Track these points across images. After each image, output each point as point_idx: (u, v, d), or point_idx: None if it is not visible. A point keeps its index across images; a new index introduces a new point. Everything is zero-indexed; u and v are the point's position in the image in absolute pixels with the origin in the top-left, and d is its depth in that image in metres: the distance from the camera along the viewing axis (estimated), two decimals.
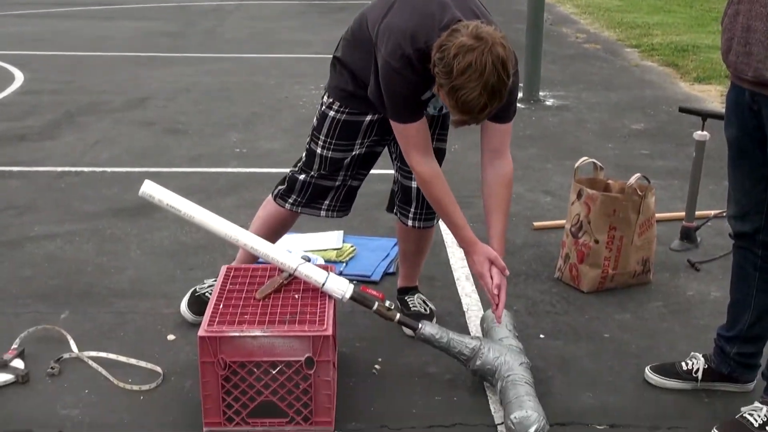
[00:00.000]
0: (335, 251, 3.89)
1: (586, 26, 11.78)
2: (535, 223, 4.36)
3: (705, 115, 4.10)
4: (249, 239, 2.80)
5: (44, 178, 5.12)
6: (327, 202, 3.12)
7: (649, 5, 13.73)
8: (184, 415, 2.66)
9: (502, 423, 2.61)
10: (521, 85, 7.57)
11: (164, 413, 2.67)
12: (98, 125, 6.40)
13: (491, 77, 2.40)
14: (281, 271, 2.81)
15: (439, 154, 3.08)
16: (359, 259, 3.87)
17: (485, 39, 2.42)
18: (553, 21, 11.66)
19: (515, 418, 2.49)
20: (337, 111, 2.97)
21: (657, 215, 3.75)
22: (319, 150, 3.02)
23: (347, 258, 3.86)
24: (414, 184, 3.07)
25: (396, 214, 3.22)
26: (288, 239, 4.03)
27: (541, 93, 7.47)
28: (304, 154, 3.09)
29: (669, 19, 12.00)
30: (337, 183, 3.08)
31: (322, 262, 3.60)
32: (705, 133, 4.04)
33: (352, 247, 3.94)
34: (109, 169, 5.26)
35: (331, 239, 4.02)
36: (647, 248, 3.64)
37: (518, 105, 7.16)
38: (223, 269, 2.94)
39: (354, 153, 3.02)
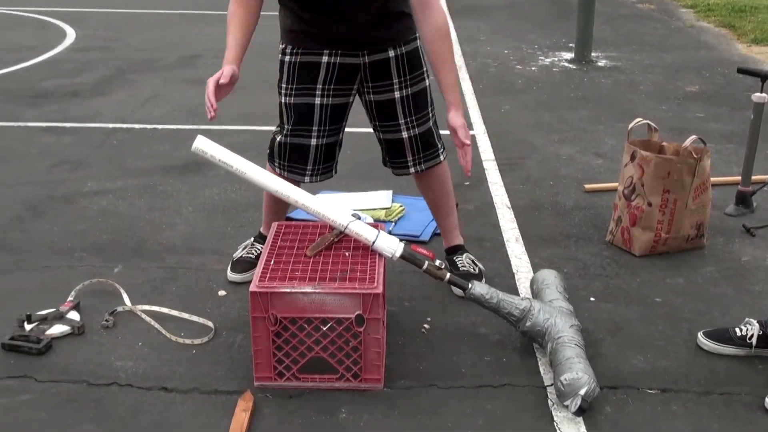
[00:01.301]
0: (384, 211, 3.88)
1: None
2: (587, 186, 4.30)
3: (765, 76, 3.99)
4: (300, 196, 2.80)
5: (96, 134, 5.18)
6: (309, 167, 3.12)
7: None
8: (235, 369, 2.69)
9: (552, 384, 2.60)
10: (572, 45, 7.46)
11: (216, 367, 2.70)
12: (149, 82, 6.44)
13: None
14: (332, 228, 2.82)
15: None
16: (408, 219, 3.86)
17: None
18: None
19: (565, 379, 2.48)
20: (290, 54, 3.00)
21: (711, 179, 3.68)
22: (283, 99, 3.05)
23: (396, 218, 3.85)
24: (404, 135, 3.07)
25: (398, 174, 3.22)
26: (337, 198, 4.04)
27: (593, 54, 7.35)
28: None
29: None
30: (312, 141, 3.07)
31: (371, 222, 3.60)
32: (764, 95, 3.94)
33: (401, 206, 3.94)
34: (159, 126, 5.30)
35: (381, 199, 4.01)
36: (701, 212, 3.58)
37: (569, 65, 7.08)
38: (274, 226, 2.95)
39: (317, 101, 3.00)
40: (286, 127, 3.08)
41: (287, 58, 3.01)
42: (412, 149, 3.12)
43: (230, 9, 2.93)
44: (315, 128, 3.05)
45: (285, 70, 3.03)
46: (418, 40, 3.03)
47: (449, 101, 2.84)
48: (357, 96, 3.10)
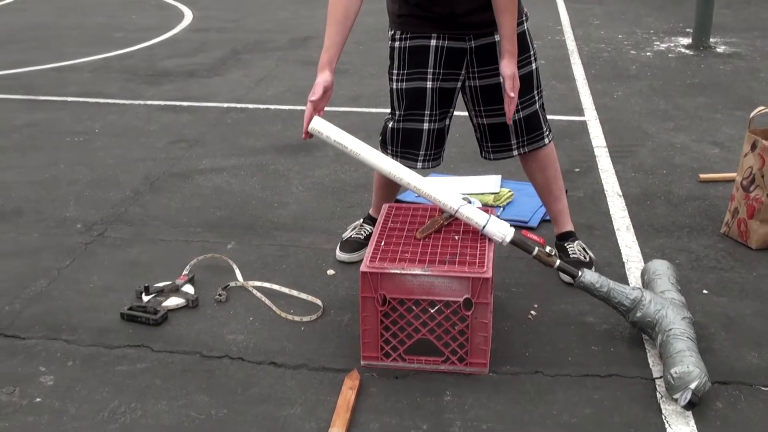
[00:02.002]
0: (493, 195, 3.87)
1: None
2: (702, 175, 4.19)
3: None
4: (412, 178, 2.81)
5: (212, 113, 5.32)
6: (422, 152, 3.13)
7: None
8: (342, 347, 2.74)
9: (661, 377, 2.55)
10: (690, 30, 7.24)
11: (324, 344, 2.76)
12: (262, 63, 6.57)
13: None
14: (442, 211, 2.83)
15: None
16: (517, 204, 3.84)
17: None
18: None
19: (676, 372, 2.43)
20: (400, 40, 3.02)
21: None
22: (394, 85, 3.07)
23: (505, 203, 3.84)
24: (503, 119, 3.05)
25: (497, 158, 3.20)
26: (445, 181, 4.05)
27: (711, 39, 7.11)
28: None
29: None
30: (425, 126, 3.07)
31: (480, 206, 3.58)
32: None
33: (509, 191, 3.91)
34: (272, 107, 5.41)
35: (489, 183, 4.00)
36: None
37: (686, 51, 6.87)
38: (385, 207, 2.98)
39: (429, 84, 3.01)
40: (398, 113, 3.10)
41: (397, 44, 3.04)
42: (517, 132, 3.10)
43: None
44: (427, 112, 3.07)
45: (396, 56, 3.06)
46: (525, 24, 3.00)
47: (505, 49, 2.84)
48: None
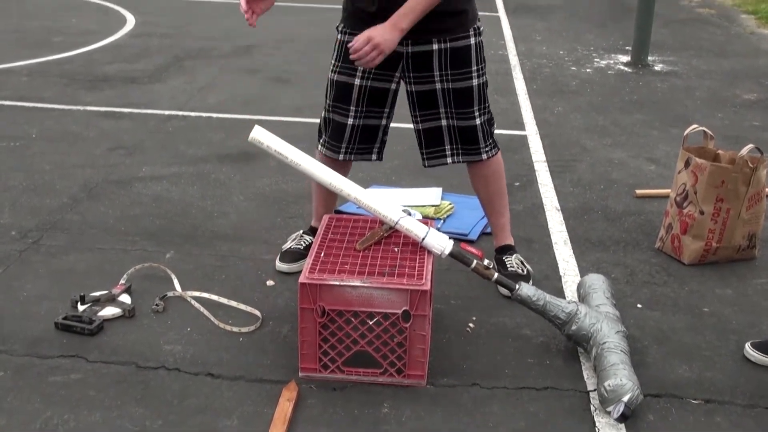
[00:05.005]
0: (433, 208, 3.90)
1: None
2: (638, 191, 4.27)
3: None
4: (352, 189, 2.82)
5: (153, 120, 5.26)
6: (343, 144, 3.17)
7: None
8: (281, 359, 2.73)
9: (595, 390, 2.59)
10: (629, 48, 7.39)
11: (262, 356, 2.74)
12: (205, 71, 6.53)
13: None
14: (382, 223, 2.84)
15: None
16: (457, 216, 3.87)
17: None
18: None
19: (609, 385, 2.47)
20: (341, 32, 3.10)
21: (767, 189, 3.63)
22: (330, 75, 3.15)
23: (445, 215, 3.86)
24: (443, 123, 3.10)
25: (432, 164, 3.23)
26: (386, 193, 4.07)
27: (650, 57, 7.28)
28: None
29: None
30: (350, 121, 3.12)
31: (420, 218, 3.61)
32: None
33: (450, 204, 3.95)
34: (214, 115, 5.37)
35: (430, 195, 4.03)
36: (755, 223, 3.54)
37: (625, 68, 7.01)
38: (325, 218, 2.98)
39: (356, 81, 3.06)
40: (327, 102, 3.17)
41: (339, 36, 3.12)
42: (450, 138, 3.14)
43: None
44: (352, 108, 3.11)
45: (336, 47, 3.13)
46: (472, 38, 3.03)
47: (393, 15, 2.84)
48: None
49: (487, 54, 3.14)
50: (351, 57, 2.85)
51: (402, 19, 2.84)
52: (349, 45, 2.85)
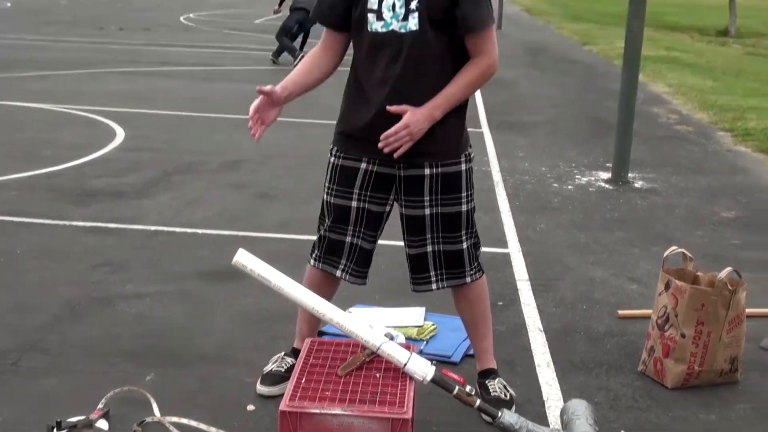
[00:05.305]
0: (416, 329, 3.90)
1: (678, 107, 11.67)
2: (620, 311, 4.30)
3: None
4: (334, 314, 2.84)
5: (139, 236, 5.29)
6: (343, 261, 3.19)
7: (744, 88, 13.54)
8: None
9: None
10: (609, 165, 7.54)
11: None
12: (193, 185, 6.60)
13: None
14: (364, 347, 2.84)
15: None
16: (440, 338, 3.87)
17: None
18: (645, 100, 11.57)
19: None
20: (335, 156, 3.15)
21: (747, 310, 3.66)
22: (325, 197, 3.19)
23: (428, 336, 3.86)
24: (428, 249, 3.13)
25: (418, 290, 3.26)
26: (369, 313, 4.07)
27: (630, 174, 7.41)
28: None
29: (764, 104, 11.78)
30: (347, 239, 3.16)
31: (404, 340, 3.61)
32: None
33: (433, 325, 3.95)
34: (200, 231, 5.41)
35: (413, 316, 4.04)
36: (736, 345, 3.55)
37: (606, 185, 7.13)
38: (307, 342, 2.98)
39: (354, 204, 3.10)
40: (326, 221, 3.19)
41: (332, 159, 3.16)
42: (435, 264, 3.16)
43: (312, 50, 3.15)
44: (350, 228, 3.15)
45: (329, 170, 3.17)
46: (462, 165, 3.10)
47: (426, 104, 2.92)
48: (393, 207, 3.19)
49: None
50: (381, 144, 2.91)
51: (436, 110, 2.94)
52: (385, 139, 2.91)
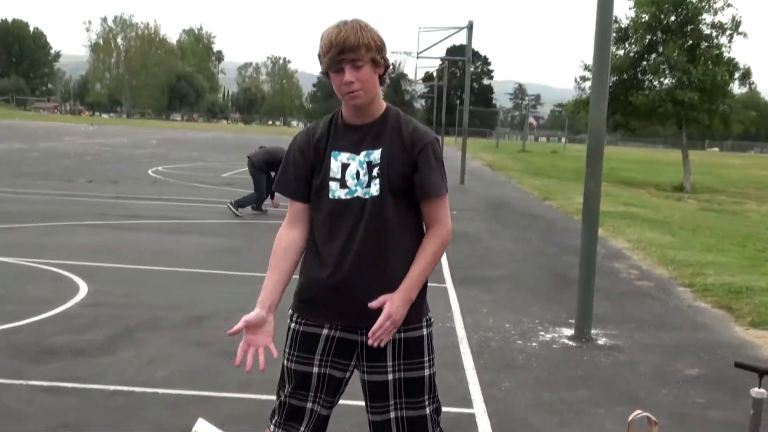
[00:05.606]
0: None
1: (638, 262, 11.89)
2: None
3: (762, 372, 4.04)
4: None
5: (98, 396, 5.19)
6: (302, 428, 3.15)
7: (702, 243, 13.86)
8: None
9: None
10: (572, 321, 7.60)
11: None
12: (155, 342, 6.53)
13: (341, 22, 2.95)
14: None
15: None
16: None
17: None
18: (606, 255, 11.80)
19: None
20: (295, 322, 3.16)
21: None
22: (285, 362, 3.17)
23: None
24: (391, 415, 3.10)
25: None
26: None
27: (593, 331, 7.47)
28: None
29: (722, 259, 12.06)
30: (308, 405, 3.13)
31: None
32: (762, 390, 3.98)
33: None
34: (160, 391, 5.32)
35: None
36: None
37: (569, 342, 7.17)
38: None
39: (315, 369, 3.09)
40: (287, 387, 3.16)
41: (292, 325, 3.16)
42: (397, 429, 3.13)
43: (278, 234, 3.15)
44: (311, 394, 3.12)
45: (289, 336, 3.17)
46: (424, 329, 3.13)
47: (399, 288, 2.99)
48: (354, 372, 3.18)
49: (435, 326, 3.22)
50: (370, 340, 2.95)
51: (411, 292, 3.01)
52: (372, 334, 2.96)
